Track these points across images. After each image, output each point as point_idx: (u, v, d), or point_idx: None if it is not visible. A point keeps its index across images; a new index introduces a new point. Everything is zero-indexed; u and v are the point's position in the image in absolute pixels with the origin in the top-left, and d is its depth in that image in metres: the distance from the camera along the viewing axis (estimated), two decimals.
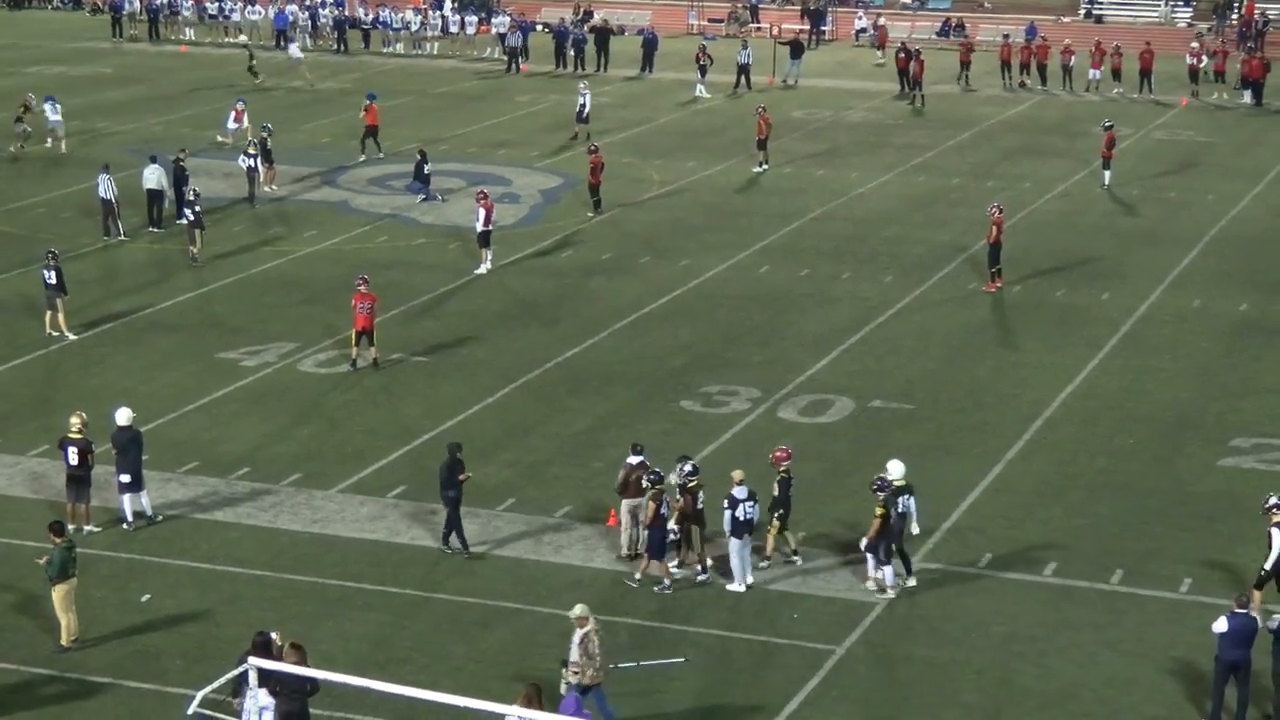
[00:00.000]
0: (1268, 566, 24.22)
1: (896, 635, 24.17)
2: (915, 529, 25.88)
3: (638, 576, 25.47)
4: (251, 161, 47.77)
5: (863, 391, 33.66)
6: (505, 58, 71.42)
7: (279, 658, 19.97)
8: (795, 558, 26.16)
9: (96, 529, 27.04)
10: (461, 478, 26.16)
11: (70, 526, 25.79)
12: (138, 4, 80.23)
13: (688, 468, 25.78)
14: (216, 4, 79.93)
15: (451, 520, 26.32)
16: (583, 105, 56.96)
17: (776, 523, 26.06)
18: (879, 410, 32.75)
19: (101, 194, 43.73)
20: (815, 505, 27.96)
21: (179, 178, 45.11)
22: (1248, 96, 65.65)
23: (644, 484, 25.53)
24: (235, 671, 20.06)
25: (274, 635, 20.44)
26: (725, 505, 25.21)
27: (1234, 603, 22.09)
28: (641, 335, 37.11)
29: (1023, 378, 34.60)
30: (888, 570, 25.24)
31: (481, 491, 28.08)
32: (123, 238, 43.72)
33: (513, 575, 25.81)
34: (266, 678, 19.64)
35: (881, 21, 78.20)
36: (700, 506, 25.60)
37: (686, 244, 44.29)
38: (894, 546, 25.28)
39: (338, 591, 25.31)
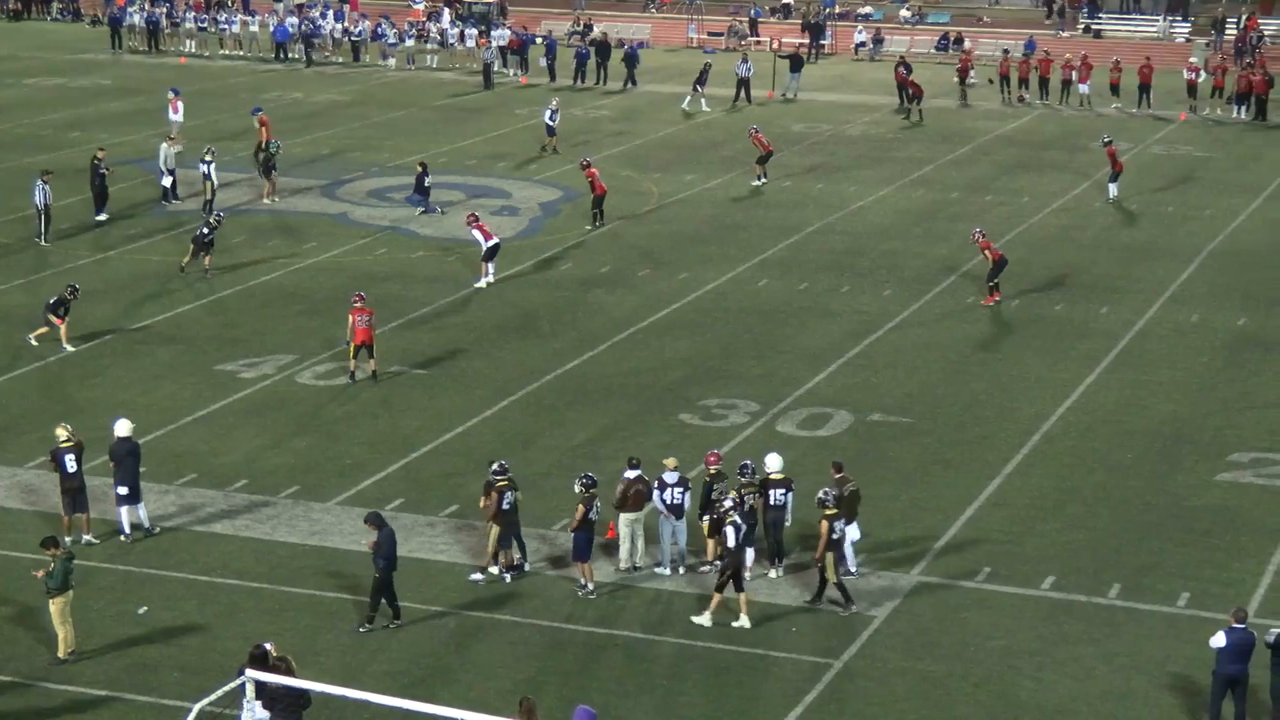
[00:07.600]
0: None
1: (894, 649, 24.17)
2: (789, 520, 26.36)
3: (587, 585, 25.63)
4: (205, 169, 47.52)
5: (861, 405, 33.66)
6: (482, 72, 70.93)
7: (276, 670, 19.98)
8: (704, 566, 26.36)
9: (95, 540, 27.02)
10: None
11: (68, 538, 25.75)
12: (137, 16, 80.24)
13: (495, 466, 26.06)
14: (217, 16, 79.92)
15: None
16: (551, 121, 56.81)
17: (705, 525, 26.28)
18: (877, 424, 32.76)
19: (36, 201, 44.29)
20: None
21: (97, 176, 46.34)
22: (1241, 111, 65.62)
23: (577, 488, 25.75)
24: (232, 684, 20.04)
25: (269, 647, 20.43)
26: (655, 487, 26.00)
27: (1231, 617, 22.09)
28: (640, 348, 37.11)
29: (1021, 392, 34.61)
30: (749, 552, 25.93)
31: (479, 505, 28.07)
32: (44, 244, 43.98)
33: (510, 587, 25.81)
34: (262, 690, 19.63)
35: (968, 46, 76.40)
36: (507, 506, 25.72)
37: (685, 257, 44.31)
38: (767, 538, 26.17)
39: (335, 604, 25.30)
